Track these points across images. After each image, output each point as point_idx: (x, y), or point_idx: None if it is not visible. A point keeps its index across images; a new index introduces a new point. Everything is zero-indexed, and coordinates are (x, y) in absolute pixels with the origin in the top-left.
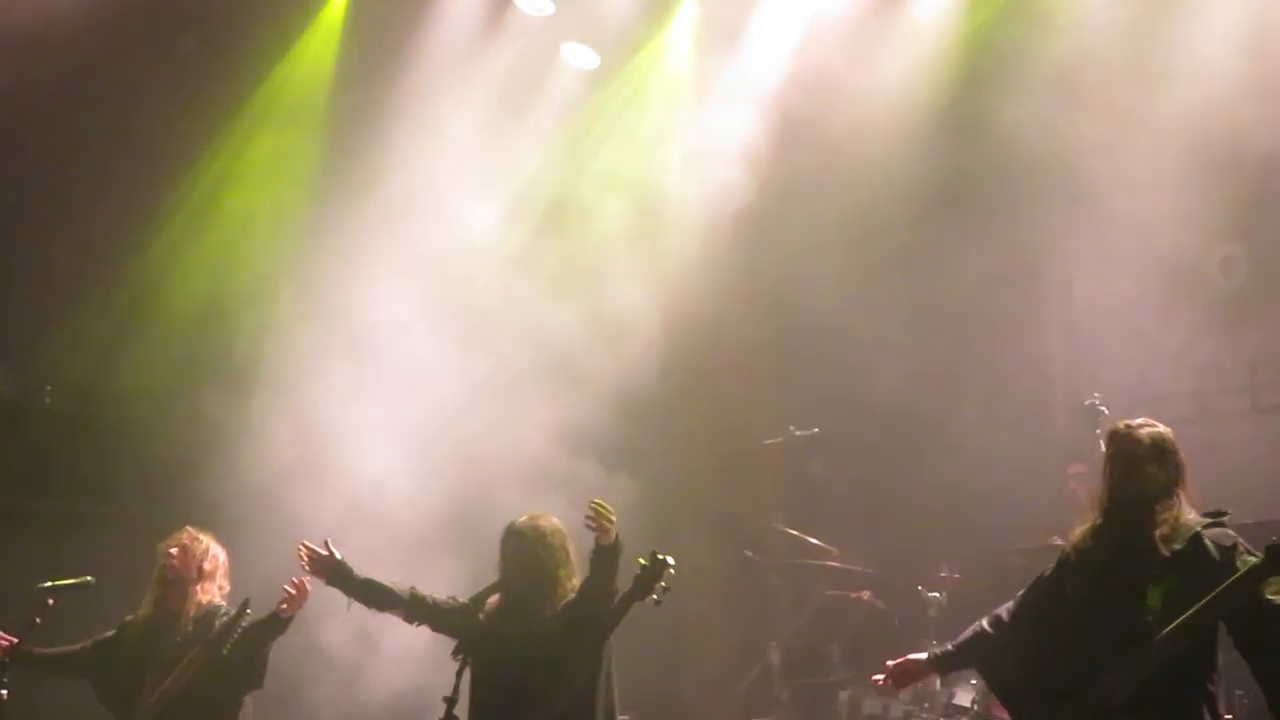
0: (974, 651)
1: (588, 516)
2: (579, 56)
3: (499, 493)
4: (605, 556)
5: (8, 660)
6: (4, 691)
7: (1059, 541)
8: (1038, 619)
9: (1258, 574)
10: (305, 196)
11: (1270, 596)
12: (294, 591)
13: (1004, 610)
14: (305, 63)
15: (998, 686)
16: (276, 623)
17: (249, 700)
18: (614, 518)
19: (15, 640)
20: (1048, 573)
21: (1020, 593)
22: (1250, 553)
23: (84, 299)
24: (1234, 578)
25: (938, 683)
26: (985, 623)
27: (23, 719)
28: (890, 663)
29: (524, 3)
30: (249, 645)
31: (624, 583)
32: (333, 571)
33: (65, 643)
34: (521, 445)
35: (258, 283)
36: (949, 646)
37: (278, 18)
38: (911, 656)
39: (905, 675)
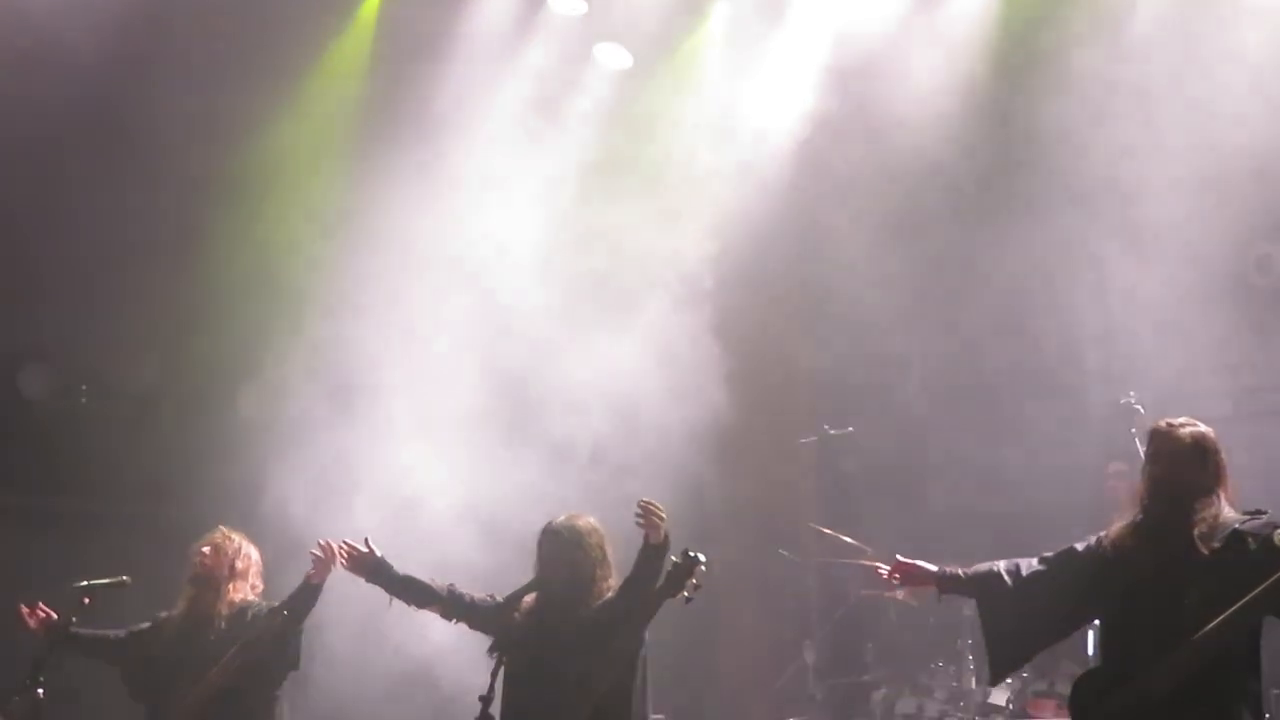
0: (980, 587)
1: (637, 514)
2: (612, 56)
3: (535, 492)
4: (652, 554)
5: (48, 635)
6: (41, 690)
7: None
8: (1050, 589)
9: None
10: (341, 195)
11: None
12: (321, 555)
13: (1023, 563)
14: (341, 62)
15: (989, 631)
16: (308, 590)
17: (284, 699)
18: (664, 515)
19: (56, 615)
20: (1079, 550)
21: (1047, 554)
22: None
23: (120, 300)
24: (1275, 578)
25: (973, 680)
26: (1001, 566)
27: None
28: (900, 558)
29: (556, 2)
30: (284, 626)
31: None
32: (373, 569)
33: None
34: (560, 444)
35: (293, 282)
36: (960, 572)
37: (315, 18)
38: (921, 563)
39: (909, 576)
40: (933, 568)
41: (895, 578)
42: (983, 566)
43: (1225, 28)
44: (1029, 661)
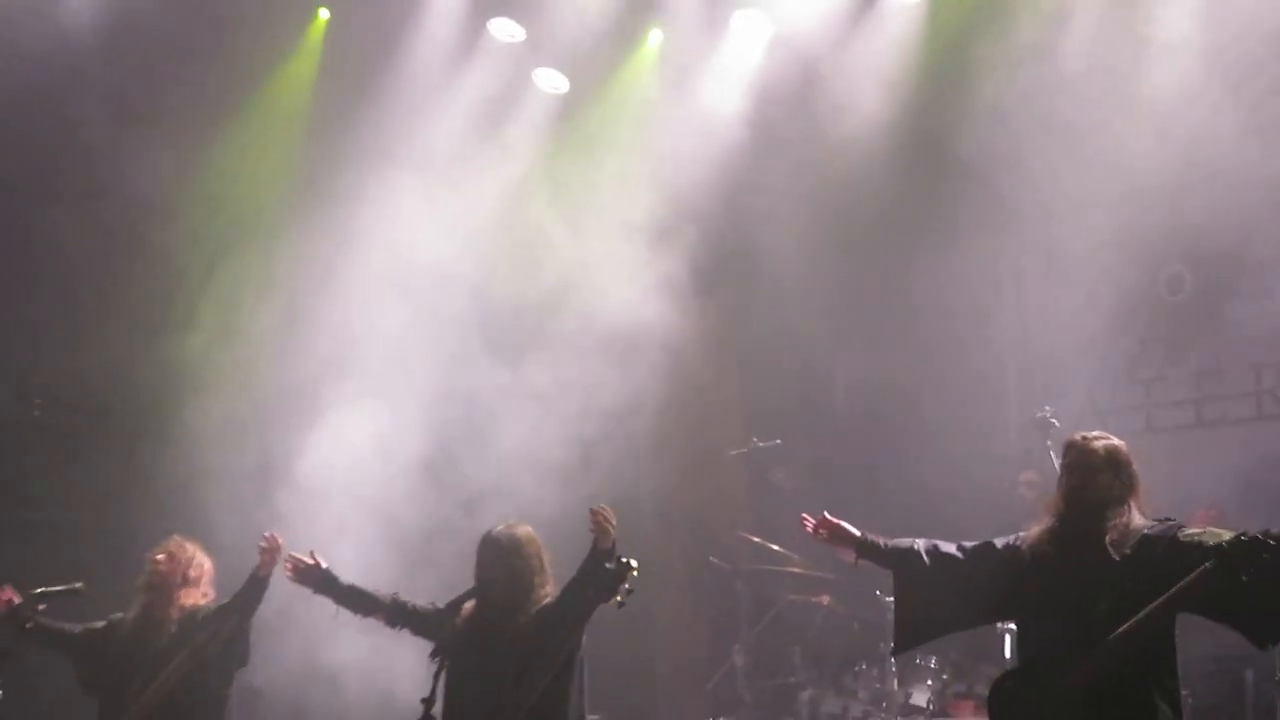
0: (897, 562)
1: (592, 518)
2: (550, 80)
3: (481, 501)
4: (599, 558)
5: (10, 620)
6: None
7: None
8: (964, 578)
9: (1207, 578)
10: (288, 209)
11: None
12: (266, 546)
13: (942, 547)
14: (287, 86)
15: (901, 604)
16: (255, 583)
17: (233, 698)
18: (614, 522)
19: (18, 600)
20: (997, 547)
21: (965, 544)
22: (1185, 529)
23: (74, 314)
24: (1186, 580)
25: (895, 682)
26: (921, 545)
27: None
28: (827, 514)
29: (496, 29)
30: (234, 622)
31: None
32: (319, 580)
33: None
34: (497, 456)
35: (241, 293)
36: (880, 542)
37: (266, 37)
38: (846, 525)
39: (833, 532)
40: (856, 531)
41: (820, 532)
42: (904, 542)
43: (1141, 64)
44: (932, 639)
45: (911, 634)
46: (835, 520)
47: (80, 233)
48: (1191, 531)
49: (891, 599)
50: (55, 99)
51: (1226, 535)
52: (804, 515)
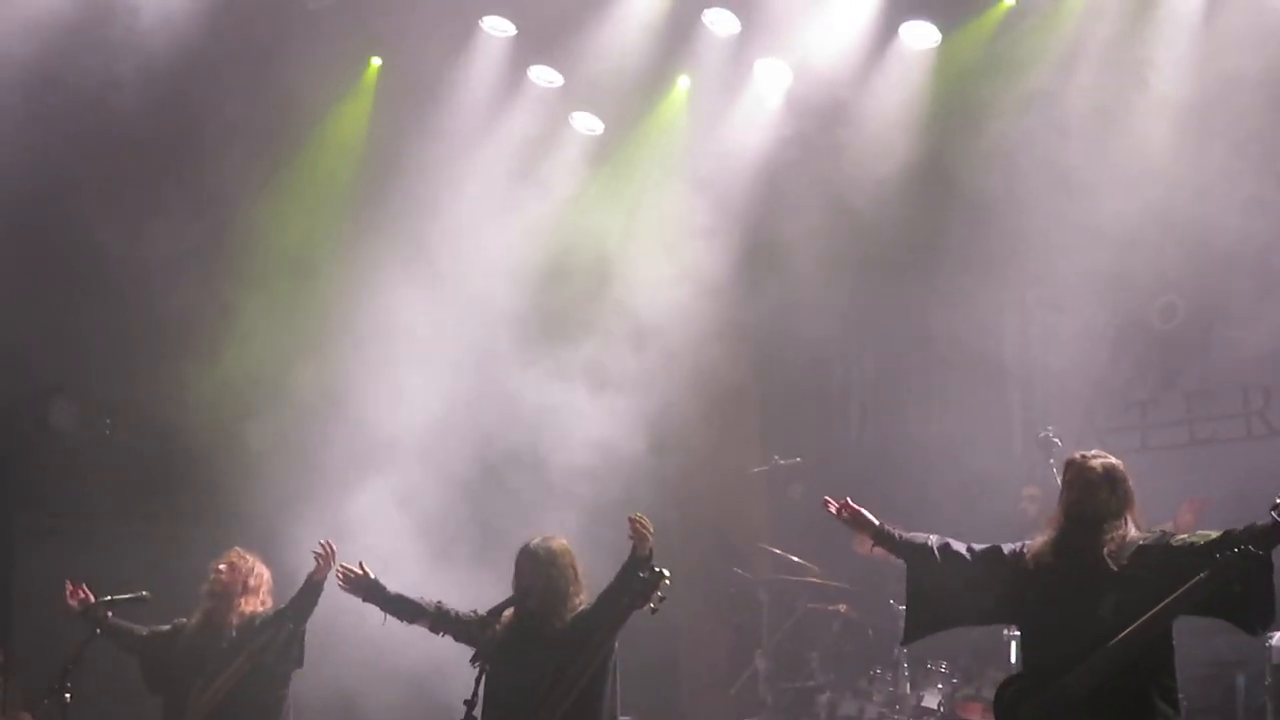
0: (910, 554)
1: (631, 526)
2: (585, 123)
3: (518, 509)
4: (637, 564)
5: (83, 617)
6: (68, 695)
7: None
8: (971, 578)
9: (1203, 586)
10: (343, 245)
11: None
12: (321, 552)
13: (954, 545)
14: (343, 124)
15: (911, 595)
16: (310, 587)
17: (290, 699)
18: (652, 530)
19: (92, 599)
20: (1004, 552)
21: (975, 546)
22: (1176, 535)
23: (140, 340)
24: (1182, 590)
25: (907, 685)
26: (934, 541)
27: None
28: (851, 501)
29: (536, 74)
30: (290, 625)
31: None
32: (368, 589)
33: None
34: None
35: (293, 325)
36: (897, 534)
37: (320, 84)
38: (866, 512)
39: (853, 517)
40: (874, 520)
41: (842, 515)
42: (918, 536)
43: (1135, 108)
44: (938, 631)
45: (919, 625)
46: (856, 506)
47: (143, 267)
48: (1181, 536)
49: (904, 607)
50: (110, 135)
51: (1213, 535)
52: (826, 498)
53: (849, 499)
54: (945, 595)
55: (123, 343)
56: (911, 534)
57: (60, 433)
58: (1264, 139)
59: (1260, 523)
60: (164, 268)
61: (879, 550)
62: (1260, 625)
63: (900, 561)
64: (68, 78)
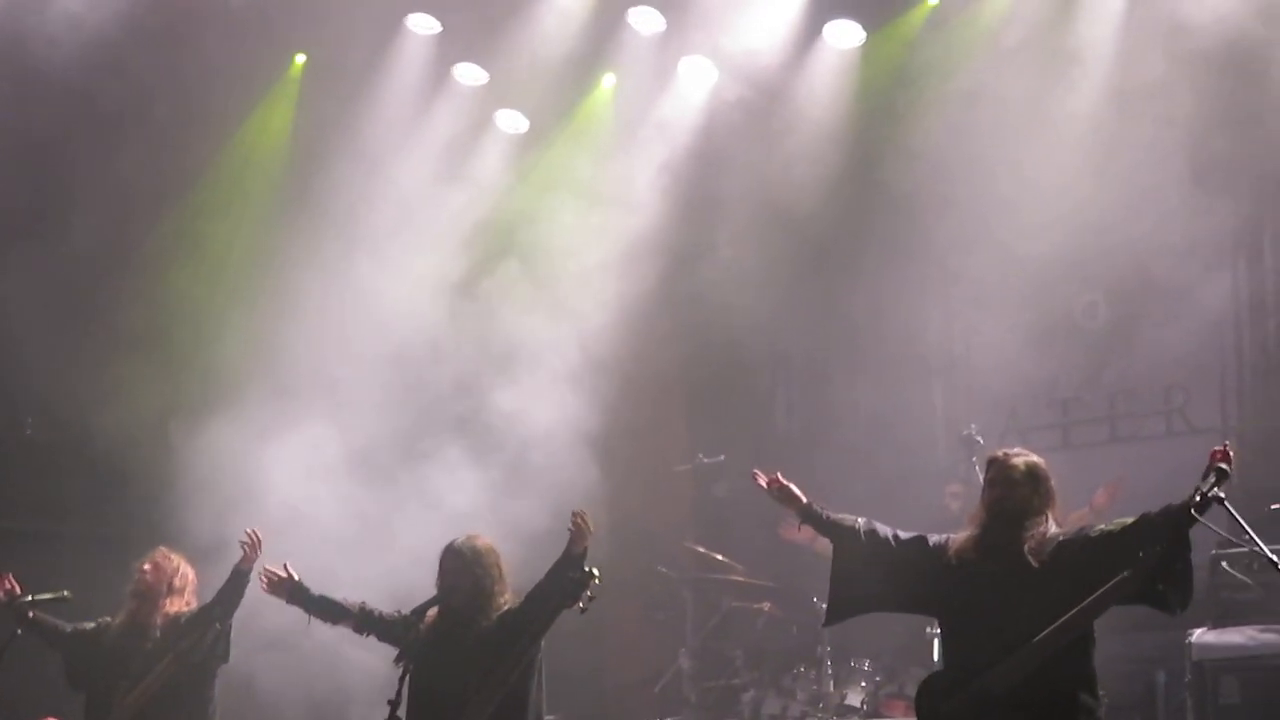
0: (837, 535)
1: (573, 520)
2: (510, 120)
3: (438, 505)
4: (572, 561)
5: (9, 607)
6: None
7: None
8: (894, 564)
9: (1120, 589)
10: (266, 240)
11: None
12: (248, 540)
13: (880, 530)
14: (268, 122)
15: (835, 576)
16: (237, 577)
17: (217, 698)
18: (592, 529)
19: (18, 590)
20: (929, 543)
21: (900, 533)
22: (1093, 527)
23: (63, 341)
24: (1105, 589)
25: (831, 684)
26: (861, 523)
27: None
28: (781, 476)
29: (460, 72)
30: (217, 619)
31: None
32: (292, 591)
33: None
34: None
35: (217, 323)
36: (825, 513)
37: (243, 82)
38: (795, 489)
39: (782, 492)
40: (803, 498)
41: (771, 489)
42: (846, 517)
43: (1061, 105)
44: (860, 614)
45: (841, 607)
46: (787, 483)
47: (63, 267)
48: (1099, 527)
49: (826, 605)
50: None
51: (1129, 521)
52: (755, 471)
53: (778, 475)
54: (869, 579)
55: (47, 341)
56: (839, 514)
57: None
58: (1183, 142)
59: (1175, 503)
60: (91, 262)
61: (806, 532)
62: (1179, 606)
63: (822, 550)
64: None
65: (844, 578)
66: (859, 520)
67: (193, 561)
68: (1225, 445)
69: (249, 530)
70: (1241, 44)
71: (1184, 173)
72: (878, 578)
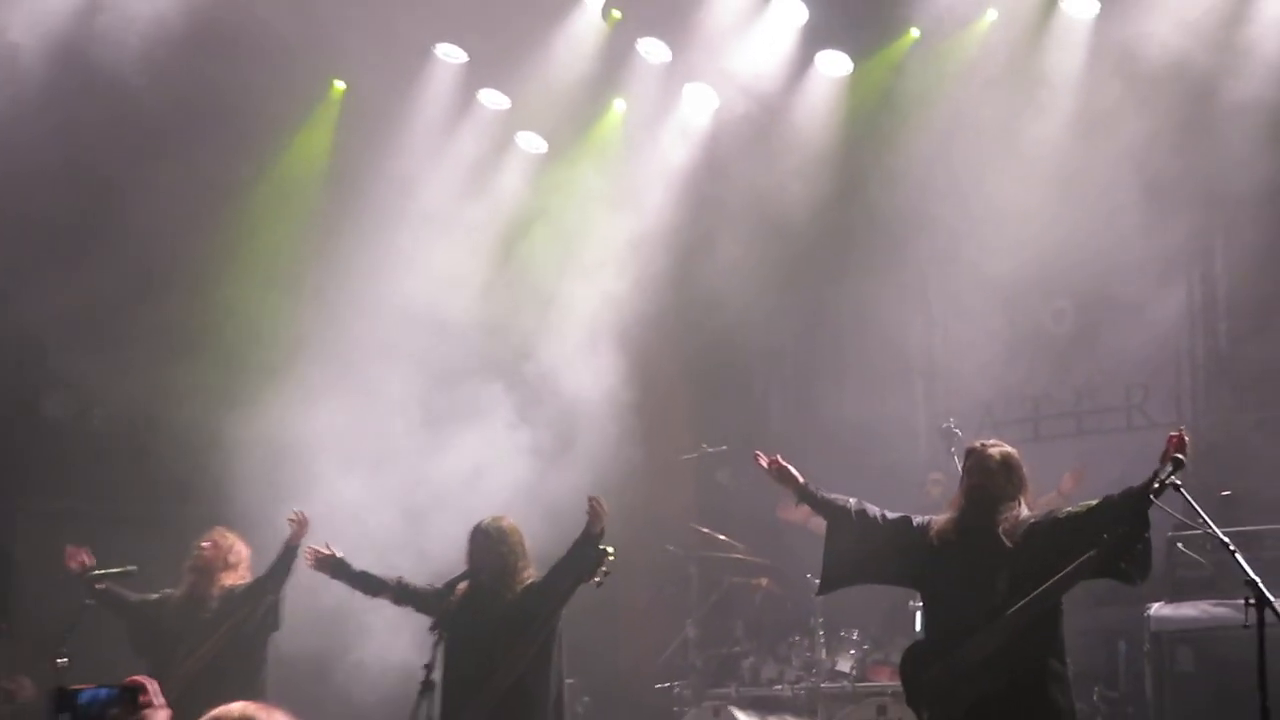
0: (831, 513)
1: (589, 504)
2: (530, 142)
3: (468, 490)
4: (590, 540)
5: (80, 579)
6: (64, 659)
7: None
8: (881, 541)
9: (1088, 566)
10: (308, 249)
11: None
12: (296, 519)
13: (869, 510)
14: (309, 142)
15: (829, 551)
16: (286, 552)
17: (268, 664)
18: (607, 511)
19: (90, 561)
20: (914, 523)
21: (888, 513)
22: (1059, 511)
23: (128, 334)
24: (1073, 566)
25: (823, 652)
26: (852, 504)
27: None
28: (780, 458)
29: (485, 97)
30: (269, 589)
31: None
32: (334, 567)
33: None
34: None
35: (265, 324)
36: (819, 492)
37: (286, 105)
38: (793, 470)
39: (780, 473)
40: (800, 478)
41: (772, 470)
42: (839, 498)
43: (1031, 129)
44: (851, 585)
45: (834, 578)
46: (785, 464)
47: (121, 273)
48: (1066, 509)
49: (819, 580)
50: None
51: (1094, 503)
52: (757, 452)
53: (777, 456)
54: (859, 553)
55: (110, 338)
56: (833, 495)
57: (52, 422)
58: (1140, 163)
59: (1135, 486)
60: (146, 268)
61: (803, 511)
62: (1139, 578)
63: (815, 528)
64: (40, 104)
65: (836, 552)
66: (850, 500)
67: (247, 541)
68: (1181, 431)
69: (296, 509)
70: (1190, 71)
71: (1141, 191)
72: (867, 553)
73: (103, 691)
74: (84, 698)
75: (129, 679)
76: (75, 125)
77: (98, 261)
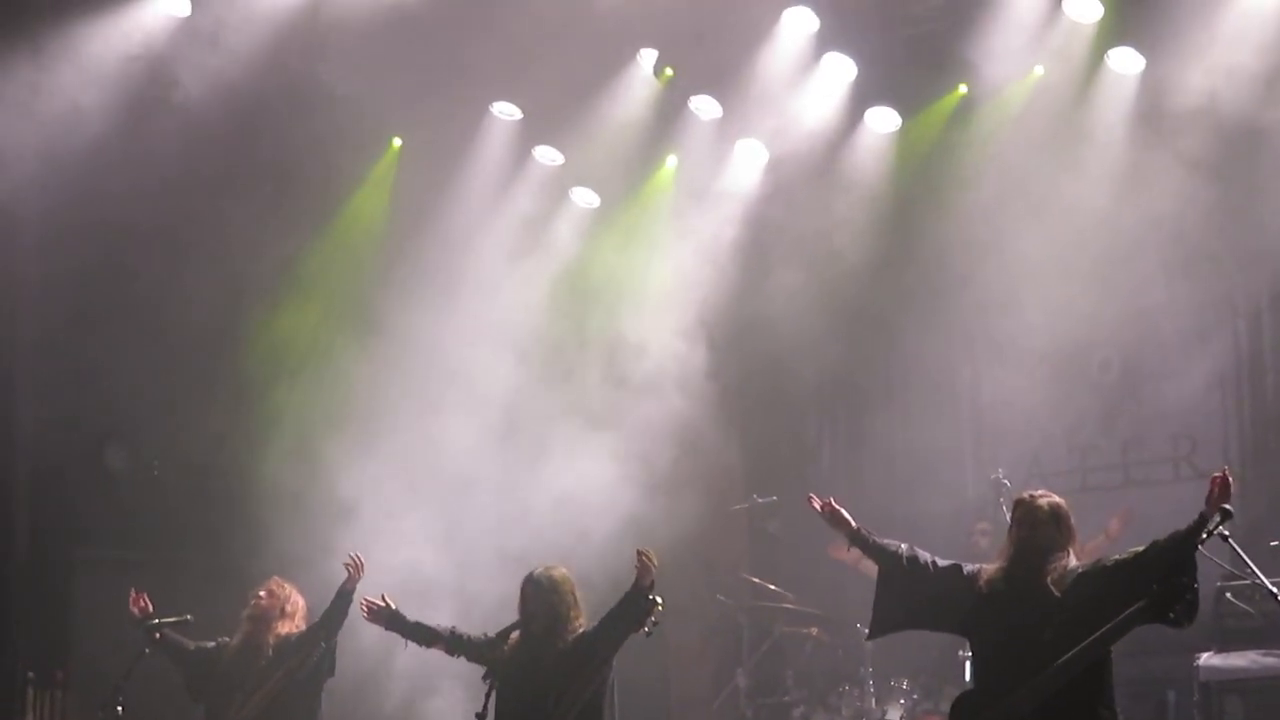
0: (882, 558)
1: (638, 558)
2: (584, 197)
3: (526, 541)
4: (640, 592)
5: (139, 625)
6: (120, 708)
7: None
8: (932, 588)
9: (1137, 616)
10: (367, 303)
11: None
12: (351, 563)
13: (921, 556)
14: (369, 197)
15: (879, 596)
16: (342, 596)
17: (323, 707)
18: (657, 564)
19: (150, 608)
20: (964, 571)
21: (939, 560)
22: (1107, 559)
23: (189, 385)
24: (1117, 620)
25: (873, 701)
26: (904, 549)
27: None
28: (834, 501)
29: (540, 154)
30: (323, 637)
31: None
32: (389, 618)
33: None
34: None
35: (325, 377)
36: (872, 537)
37: (347, 164)
38: (845, 514)
39: (834, 516)
40: (853, 522)
41: (825, 512)
42: (890, 543)
43: (1077, 183)
44: (899, 630)
45: (884, 622)
46: (838, 507)
47: (179, 325)
48: (1114, 557)
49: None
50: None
51: (1140, 549)
52: (811, 495)
53: (831, 500)
54: (909, 599)
55: (170, 390)
56: (884, 539)
57: (112, 473)
58: (1186, 213)
59: (1181, 529)
60: (206, 321)
61: (853, 553)
62: (1185, 623)
63: (865, 571)
64: (104, 161)
65: (886, 597)
66: (901, 546)
67: (302, 590)
68: (1225, 471)
69: (352, 554)
70: (1233, 122)
71: (1186, 243)
72: (917, 599)
73: None
74: None
75: None
76: (138, 182)
77: (159, 313)
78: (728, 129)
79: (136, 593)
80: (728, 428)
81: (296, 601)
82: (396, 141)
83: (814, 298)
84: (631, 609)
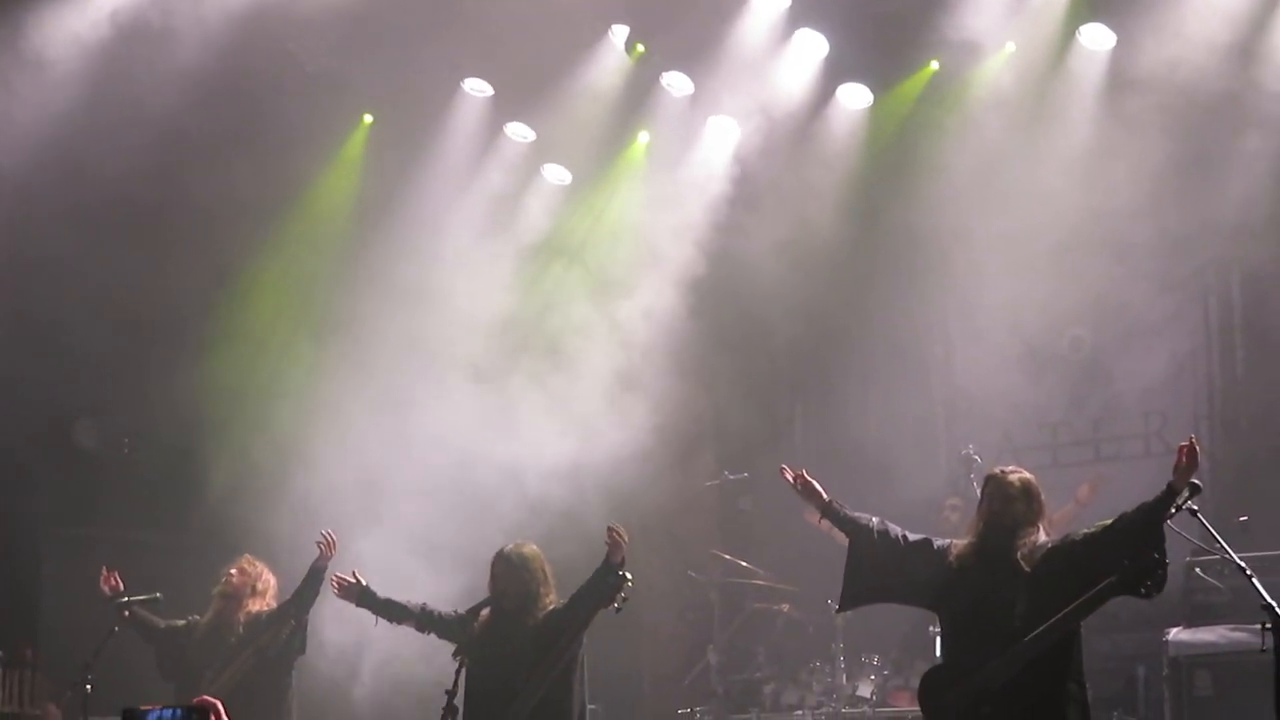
0: (853, 530)
1: (609, 534)
2: (555, 174)
3: (500, 518)
4: (611, 569)
5: (110, 602)
6: (89, 686)
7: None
8: (902, 562)
9: (1108, 592)
10: (334, 279)
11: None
12: (323, 540)
13: (891, 529)
14: (340, 173)
15: (850, 568)
16: (313, 574)
17: (294, 686)
18: (627, 540)
19: (122, 586)
20: (934, 545)
21: (909, 535)
22: (1076, 534)
23: (159, 363)
24: (1088, 595)
25: (844, 677)
26: (874, 522)
27: None
28: (806, 473)
29: (511, 131)
30: (293, 614)
31: None
32: (360, 595)
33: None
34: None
35: (295, 355)
36: (844, 510)
37: (317, 139)
38: (818, 486)
39: (806, 489)
40: (824, 494)
41: (798, 484)
42: (862, 516)
43: (1049, 154)
44: (869, 603)
45: (854, 595)
46: (811, 479)
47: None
48: (1083, 530)
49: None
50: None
51: (1109, 521)
52: (783, 465)
53: (803, 472)
54: (879, 572)
55: (141, 370)
56: (856, 513)
57: (83, 452)
58: (1157, 189)
59: (1148, 501)
60: (177, 303)
61: (824, 523)
62: (1154, 594)
63: (840, 539)
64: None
65: (856, 570)
66: (873, 519)
67: (272, 567)
68: (1191, 439)
69: (324, 531)
70: (1205, 98)
71: (1157, 220)
72: (887, 572)
73: (168, 712)
74: (152, 718)
75: (197, 699)
76: (109, 157)
77: (130, 292)
78: (700, 105)
79: (107, 571)
80: (699, 405)
81: (268, 579)
82: (367, 118)
83: (785, 275)
84: (601, 585)
